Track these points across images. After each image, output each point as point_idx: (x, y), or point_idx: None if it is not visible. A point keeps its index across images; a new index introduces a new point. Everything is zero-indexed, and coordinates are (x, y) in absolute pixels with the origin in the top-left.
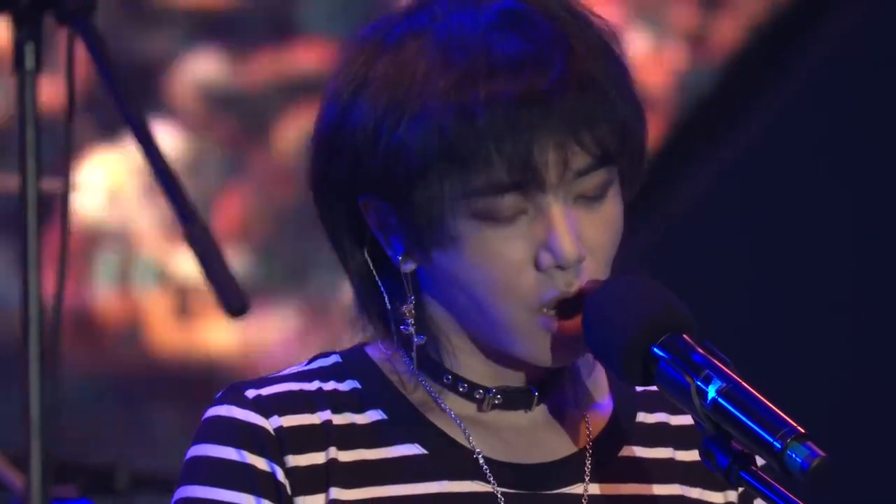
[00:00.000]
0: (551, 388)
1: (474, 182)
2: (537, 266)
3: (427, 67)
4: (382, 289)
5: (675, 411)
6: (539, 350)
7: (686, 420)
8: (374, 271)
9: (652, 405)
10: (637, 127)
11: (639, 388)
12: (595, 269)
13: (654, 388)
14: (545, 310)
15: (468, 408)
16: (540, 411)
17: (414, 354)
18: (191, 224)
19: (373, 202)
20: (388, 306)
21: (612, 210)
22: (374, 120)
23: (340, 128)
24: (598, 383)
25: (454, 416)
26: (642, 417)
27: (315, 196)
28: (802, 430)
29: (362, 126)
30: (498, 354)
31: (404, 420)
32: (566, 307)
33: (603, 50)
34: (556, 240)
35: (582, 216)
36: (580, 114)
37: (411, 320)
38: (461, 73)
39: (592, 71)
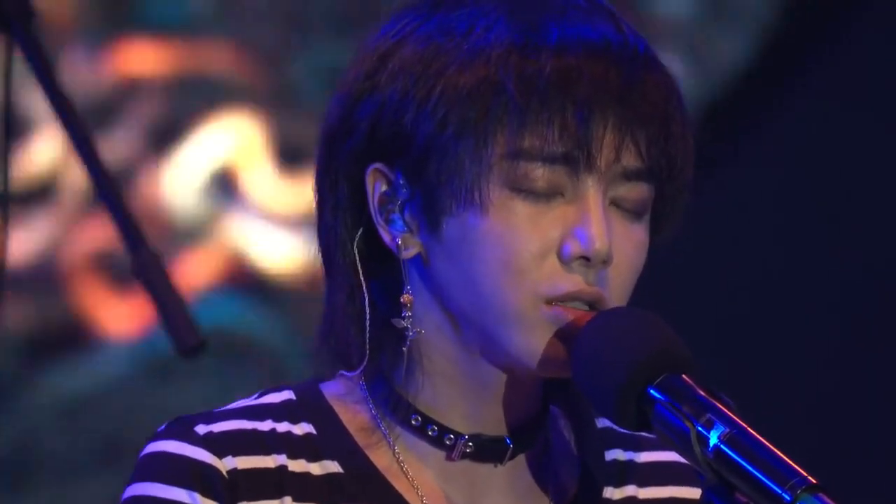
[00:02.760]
0: (525, 443)
1: (523, 145)
2: (560, 256)
3: (491, 22)
4: (364, 289)
5: (643, 483)
6: (536, 345)
7: (659, 492)
8: (359, 268)
9: (621, 477)
10: (685, 168)
11: (608, 458)
12: (617, 285)
13: (624, 458)
14: (556, 303)
15: (434, 458)
16: (508, 471)
17: (405, 350)
18: (139, 252)
19: (383, 172)
20: (368, 311)
21: (642, 236)
22: (410, 74)
23: (367, 87)
24: (569, 450)
25: (412, 476)
26: (609, 493)
27: (320, 170)
28: (814, 481)
29: (393, 81)
30: (480, 380)
31: (361, 477)
32: (579, 307)
33: (676, 88)
34: (589, 226)
35: (615, 225)
36: (644, 111)
37: (409, 313)
38: (535, 29)
39: (667, 88)
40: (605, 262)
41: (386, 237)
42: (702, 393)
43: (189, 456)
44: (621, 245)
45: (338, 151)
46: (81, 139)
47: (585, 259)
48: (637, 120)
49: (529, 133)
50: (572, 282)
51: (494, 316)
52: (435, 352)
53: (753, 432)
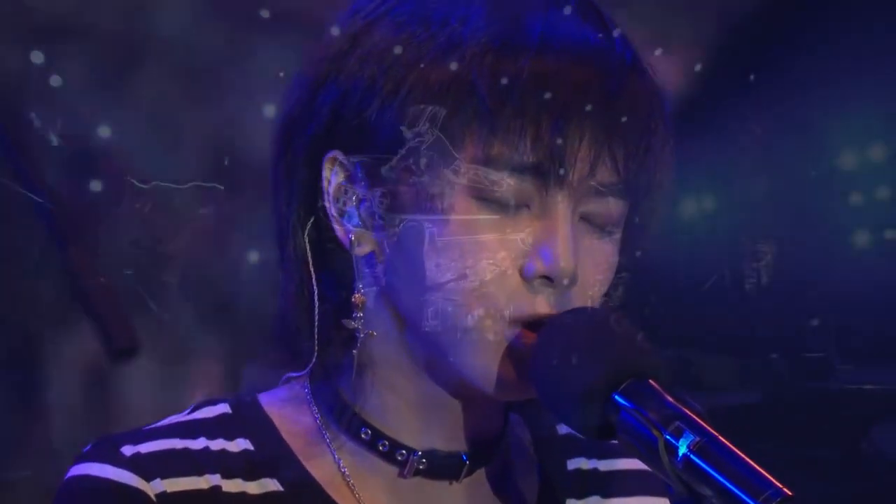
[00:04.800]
0: (484, 458)
1: (492, 152)
2: (523, 273)
3: (470, 13)
4: (314, 281)
5: (608, 493)
6: (490, 367)
7: (624, 503)
8: (309, 259)
9: (583, 488)
10: (664, 183)
11: (570, 467)
12: (583, 304)
13: (588, 467)
14: (514, 324)
15: (383, 472)
16: (464, 487)
17: (356, 353)
18: (71, 248)
19: (341, 161)
20: (317, 304)
21: (612, 254)
22: (379, 63)
23: (331, 70)
24: (529, 461)
25: (357, 491)
26: None
27: (276, 155)
28: (789, 493)
29: (360, 68)
30: (431, 395)
31: (301, 494)
32: (536, 328)
33: (661, 99)
34: (554, 245)
35: (584, 241)
36: (624, 124)
37: (360, 313)
38: (516, 27)
39: (650, 100)
40: (570, 282)
41: (339, 231)
42: (670, 399)
43: (114, 479)
44: (588, 263)
45: (296, 137)
46: (6, 140)
47: (548, 279)
48: (616, 133)
49: (500, 140)
50: (535, 304)
51: (448, 331)
52: (383, 360)
53: (725, 441)
